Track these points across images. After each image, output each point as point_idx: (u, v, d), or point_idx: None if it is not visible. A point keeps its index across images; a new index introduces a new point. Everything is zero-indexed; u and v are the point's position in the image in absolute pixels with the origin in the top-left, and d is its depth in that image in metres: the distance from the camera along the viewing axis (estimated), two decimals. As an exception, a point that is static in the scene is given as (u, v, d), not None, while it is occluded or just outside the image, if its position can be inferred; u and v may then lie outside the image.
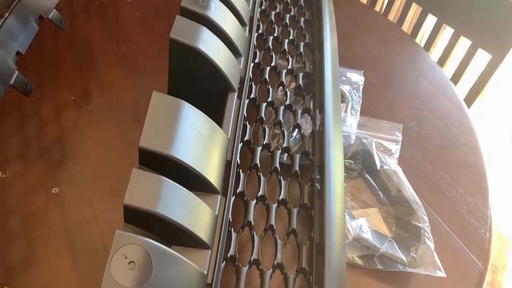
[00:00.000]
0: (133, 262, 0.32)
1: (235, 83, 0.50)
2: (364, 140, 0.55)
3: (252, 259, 0.42)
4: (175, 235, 0.37)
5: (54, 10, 0.65)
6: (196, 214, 0.38)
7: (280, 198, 0.46)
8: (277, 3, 0.70)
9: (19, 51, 0.58)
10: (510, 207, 1.31)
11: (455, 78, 0.86)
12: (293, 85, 0.59)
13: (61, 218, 0.53)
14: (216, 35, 0.49)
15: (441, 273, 0.46)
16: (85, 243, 0.51)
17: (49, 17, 0.65)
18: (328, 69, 0.58)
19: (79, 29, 0.75)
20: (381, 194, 0.55)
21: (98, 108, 0.65)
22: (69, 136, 0.61)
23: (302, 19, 0.68)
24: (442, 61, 0.88)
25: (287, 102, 0.55)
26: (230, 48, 0.51)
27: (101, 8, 0.81)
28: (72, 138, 0.61)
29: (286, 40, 0.63)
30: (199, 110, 0.42)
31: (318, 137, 0.51)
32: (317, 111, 0.54)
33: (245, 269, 0.41)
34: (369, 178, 0.56)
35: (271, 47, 0.61)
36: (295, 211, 0.46)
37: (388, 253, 0.47)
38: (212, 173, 0.41)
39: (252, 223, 0.44)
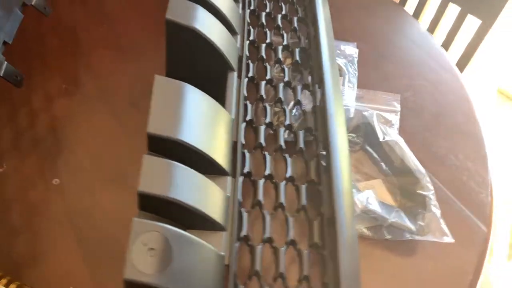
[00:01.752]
0: (153, 249, 0.32)
1: (234, 62, 0.49)
2: (365, 113, 0.55)
3: (265, 237, 0.42)
4: (190, 219, 0.37)
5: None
6: (210, 197, 0.38)
7: (287, 175, 0.46)
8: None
9: (6, 40, 0.56)
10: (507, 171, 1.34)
11: (446, 46, 0.86)
12: (289, 61, 0.58)
13: (65, 209, 0.52)
14: (212, 13, 0.48)
15: (449, 239, 0.47)
16: (92, 233, 0.50)
17: (33, 3, 0.63)
18: (324, 43, 0.57)
19: (64, 14, 0.73)
20: (384, 166, 0.55)
21: (91, 94, 0.63)
22: (64, 126, 0.60)
23: (293, -7, 0.66)
24: (431, 29, 0.88)
25: (286, 79, 0.54)
26: (226, 26, 0.50)
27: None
28: (67, 127, 0.60)
29: (279, 16, 0.62)
30: (203, 92, 0.42)
31: (320, 112, 0.51)
32: (316, 86, 0.54)
33: (259, 248, 0.42)
34: (371, 150, 0.57)
35: (264, 24, 0.60)
36: (303, 187, 0.46)
37: (396, 223, 0.48)
38: (221, 155, 0.41)
39: (262, 202, 0.44)
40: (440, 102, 0.64)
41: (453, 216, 0.52)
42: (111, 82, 0.65)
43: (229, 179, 0.41)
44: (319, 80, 0.53)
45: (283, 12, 0.63)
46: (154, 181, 0.34)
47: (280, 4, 0.64)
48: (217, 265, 0.37)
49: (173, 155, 0.38)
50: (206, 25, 0.46)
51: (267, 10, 0.63)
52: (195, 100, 0.40)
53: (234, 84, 0.48)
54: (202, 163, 0.40)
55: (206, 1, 0.49)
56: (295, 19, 0.62)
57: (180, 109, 0.39)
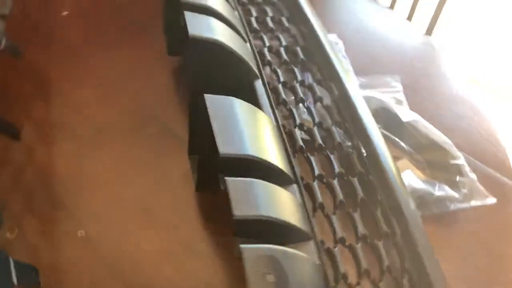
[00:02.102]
0: (269, 273, 0.30)
1: (256, 70, 0.48)
2: (380, 98, 0.56)
3: (338, 238, 0.41)
4: (279, 234, 0.35)
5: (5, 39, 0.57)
6: (293, 209, 0.36)
7: (336, 172, 0.46)
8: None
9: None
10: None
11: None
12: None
13: (102, 260, 0.48)
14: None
15: (491, 200, 0.50)
16: (140, 277, 0.47)
17: (1, 48, 0.57)
18: (323, 38, 0.58)
19: (30, 56, 0.66)
20: (405, 146, 0.56)
21: (85, 134, 0.59)
22: (68, 174, 0.55)
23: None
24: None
25: (299, 78, 0.54)
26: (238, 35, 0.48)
27: (42, 28, 0.73)
28: (72, 175, 0.55)
29: (268, 18, 0.61)
30: (249, 104, 0.40)
31: (345, 105, 0.51)
32: (330, 81, 0.54)
33: (336, 250, 0.41)
34: (388, 133, 0.57)
35: (258, 28, 0.59)
36: (356, 180, 0.45)
37: (442, 196, 0.49)
38: (283, 164, 0.40)
39: (324, 204, 0.43)
40: (434, 74, 0.67)
41: (483, 179, 0.54)
42: (99, 117, 0.60)
43: (295, 186, 0.40)
44: (331, 75, 0.54)
45: (270, 15, 0.62)
46: (244, 203, 0.32)
47: (263, 8, 0.64)
48: (318, 274, 0.35)
49: (244, 172, 0.36)
50: (227, 36, 0.44)
51: (254, 14, 0.62)
52: (247, 113, 0.39)
53: (263, 91, 0.46)
54: (268, 174, 0.38)
55: (216, 12, 0.47)
56: (284, 19, 0.62)
57: (239, 125, 0.37)
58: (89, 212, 0.51)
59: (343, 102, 0.51)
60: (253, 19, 0.60)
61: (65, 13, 0.76)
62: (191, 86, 0.46)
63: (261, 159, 0.36)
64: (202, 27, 0.43)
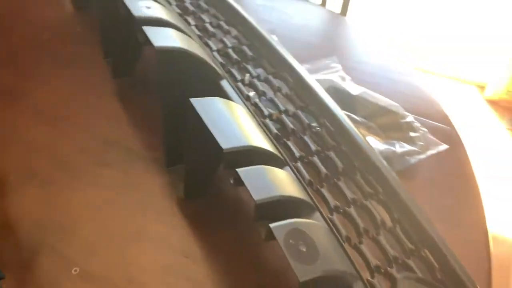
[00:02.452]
0: (301, 243, 0.33)
1: (220, 71, 0.50)
2: (328, 78, 0.60)
3: (332, 206, 0.45)
4: (291, 211, 0.38)
5: None
6: (296, 187, 0.39)
7: (313, 150, 0.50)
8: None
9: None
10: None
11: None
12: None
13: (103, 285, 0.47)
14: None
15: (444, 147, 0.56)
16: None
17: None
18: (264, 33, 0.61)
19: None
20: (357, 117, 0.62)
21: (50, 174, 0.57)
22: (46, 218, 0.52)
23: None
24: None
25: (254, 74, 0.57)
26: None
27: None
28: (50, 218, 0.53)
29: (207, 24, 0.64)
30: (227, 100, 0.42)
31: (303, 89, 0.55)
32: (283, 71, 0.57)
33: (334, 217, 0.44)
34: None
35: (201, 34, 0.61)
36: (332, 153, 0.49)
37: (403, 151, 0.55)
38: (273, 150, 0.42)
39: (312, 180, 0.46)
40: (360, 51, 0.74)
41: (431, 131, 0.61)
42: (64, 156, 0.59)
43: (288, 168, 0.43)
44: (282, 66, 0.57)
45: (208, 20, 0.64)
46: (262, 188, 0.35)
47: (198, 16, 0.66)
48: (331, 237, 0.38)
49: (243, 163, 0.38)
50: (187, 43, 0.46)
51: (193, 23, 0.63)
52: (232, 109, 0.41)
53: (232, 90, 0.48)
54: (264, 160, 0.40)
55: (169, 23, 0.48)
56: (222, 23, 0.64)
57: (229, 120, 0.39)
58: (78, 248, 0.50)
59: (300, 88, 0.55)
60: (193, 28, 0.62)
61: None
62: (165, 97, 0.47)
63: (259, 148, 0.38)
64: (163, 38, 0.44)
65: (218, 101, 0.40)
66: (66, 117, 0.63)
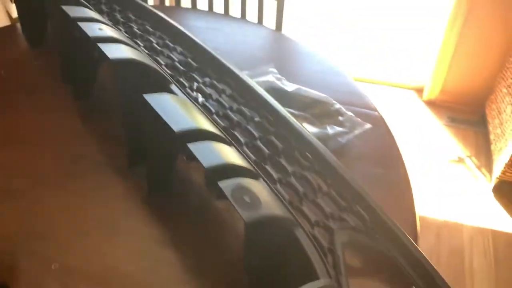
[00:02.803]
0: (245, 196, 0.40)
1: (168, 76, 0.58)
2: (266, 80, 0.70)
3: (276, 179, 0.53)
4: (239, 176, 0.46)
5: None
6: (242, 159, 0.47)
7: (257, 136, 0.58)
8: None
9: None
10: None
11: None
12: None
13: (85, 280, 0.52)
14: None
15: (368, 125, 0.66)
16: (120, 275, 0.52)
17: None
18: (208, 47, 0.70)
19: None
20: (294, 111, 0.71)
21: (23, 189, 0.62)
22: (24, 228, 0.58)
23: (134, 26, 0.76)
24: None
25: (201, 81, 0.65)
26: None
27: None
28: (28, 229, 0.58)
29: (155, 44, 0.72)
30: (177, 95, 0.50)
31: (244, 89, 0.64)
32: (226, 77, 0.66)
33: (278, 186, 0.52)
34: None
35: (149, 53, 0.69)
36: (272, 137, 0.58)
37: (334, 133, 0.64)
38: (220, 132, 0.50)
39: (256, 160, 0.54)
40: (287, 47, 0.84)
41: (356, 115, 0.71)
42: (29, 170, 0.64)
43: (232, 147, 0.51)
44: (225, 72, 0.66)
45: (155, 41, 0.73)
46: (210, 157, 0.42)
47: (146, 38, 0.74)
48: (274, 196, 0.46)
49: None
50: (137, 54, 0.54)
51: (142, 44, 0.72)
52: (179, 101, 0.49)
53: (180, 92, 0.56)
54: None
55: (122, 41, 0.56)
56: (168, 42, 0.73)
57: (179, 109, 0.47)
58: (56, 248, 0.55)
59: (241, 88, 0.64)
60: (142, 48, 0.70)
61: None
62: (123, 105, 0.55)
63: (207, 130, 0.46)
64: (116, 51, 0.52)
65: (167, 95, 0.48)
66: (34, 137, 0.69)
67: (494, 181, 1.63)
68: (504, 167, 1.55)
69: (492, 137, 1.73)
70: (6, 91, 0.77)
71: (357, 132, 0.66)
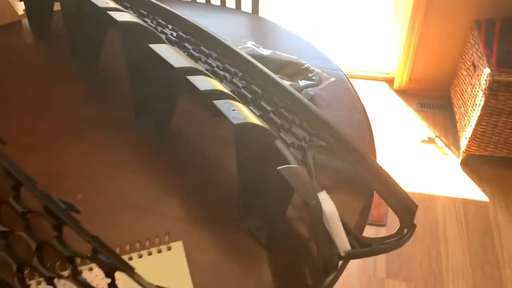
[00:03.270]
0: (233, 109, 0.53)
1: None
2: (244, 47, 0.82)
3: (257, 115, 0.65)
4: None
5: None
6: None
7: (240, 86, 0.70)
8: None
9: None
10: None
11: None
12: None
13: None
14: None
15: (332, 78, 0.79)
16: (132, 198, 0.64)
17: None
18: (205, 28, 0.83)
19: None
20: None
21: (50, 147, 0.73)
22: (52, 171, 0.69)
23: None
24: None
25: (214, 65, 0.77)
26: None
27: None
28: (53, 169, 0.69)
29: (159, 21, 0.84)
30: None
31: (229, 54, 0.76)
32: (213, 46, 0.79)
33: (265, 117, 0.64)
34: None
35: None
36: (254, 87, 0.70)
37: (304, 85, 0.77)
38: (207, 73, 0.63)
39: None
40: (269, 31, 0.97)
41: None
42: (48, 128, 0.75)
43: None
44: (215, 43, 0.79)
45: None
46: (205, 84, 0.55)
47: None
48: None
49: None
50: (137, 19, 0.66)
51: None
52: (175, 50, 0.61)
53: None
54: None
55: (124, 10, 0.69)
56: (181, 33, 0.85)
57: (177, 54, 0.59)
58: (82, 183, 0.66)
59: (227, 51, 0.76)
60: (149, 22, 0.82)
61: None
62: (131, 60, 0.67)
63: (200, 69, 0.58)
64: (123, 16, 0.64)
65: (166, 45, 0.60)
66: (47, 106, 0.81)
67: (461, 155, 1.78)
68: (469, 141, 1.70)
69: (457, 116, 1.88)
70: (18, 74, 0.89)
71: (323, 84, 0.78)
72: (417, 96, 2.18)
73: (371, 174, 0.62)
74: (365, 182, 0.62)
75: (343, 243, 0.47)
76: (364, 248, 0.53)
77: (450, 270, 1.47)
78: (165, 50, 0.59)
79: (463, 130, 1.78)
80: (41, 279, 0.53)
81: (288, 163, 0.53)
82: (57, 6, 0.95)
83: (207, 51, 0.77)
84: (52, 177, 0.68)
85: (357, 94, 0.81)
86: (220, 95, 0.56)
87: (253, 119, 0.54)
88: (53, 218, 0.52)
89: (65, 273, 0.54)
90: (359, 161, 0.62)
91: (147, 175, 0.68)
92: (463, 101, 1.82)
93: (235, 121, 0.51)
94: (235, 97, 0.58)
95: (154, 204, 0.64)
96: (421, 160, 1.84)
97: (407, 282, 1.44)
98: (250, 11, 1.16)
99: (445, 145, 1.90)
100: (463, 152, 1.75)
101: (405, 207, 0.59)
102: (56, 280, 0.50)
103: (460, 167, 1.80)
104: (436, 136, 1.95)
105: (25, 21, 1.06)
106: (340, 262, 0.49)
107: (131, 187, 0.66)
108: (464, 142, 1.74)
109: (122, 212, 0.63)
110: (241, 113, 0.53)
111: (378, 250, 0.55)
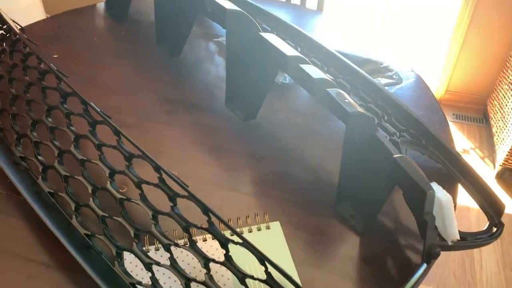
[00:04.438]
0: (344, 98, 0.55)
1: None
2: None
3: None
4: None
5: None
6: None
7: (333, 78, 0.73)
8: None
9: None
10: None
11: None
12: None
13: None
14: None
15: (412, 78, 0.81)
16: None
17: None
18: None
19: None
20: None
21: (137, 124, 0.76)
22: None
23: None
24: None
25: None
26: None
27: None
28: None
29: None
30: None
31: (336, 62, 0.79)
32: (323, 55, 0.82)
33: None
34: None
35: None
36: (343, 82, 0.73)
37: (386, 83, 0.79)
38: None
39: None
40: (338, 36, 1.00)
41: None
42: (136, 109, 0.79)
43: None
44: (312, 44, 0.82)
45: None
46: (316, 73, 0.57)
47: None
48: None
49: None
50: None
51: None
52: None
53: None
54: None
55: None
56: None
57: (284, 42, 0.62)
58: (169, 160, 0.69)
59: (334, 61, 0.79)
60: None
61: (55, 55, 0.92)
62: (234, 47, 0.69)
63: (304, 58, 0.61)
64: (229, 5, 0.67)
65: (275, 35, 0.63)
66: (137, 88, 0.84)
67: (497, 168, 1.79)
68: (507, 155, 1.71)
69: (494, 129, 1.89)
70: (103, 55, 0.92)
71: (403, 84, 0.81)
72: (453, 107, 2.19)
73: (459, 170, 0.64)
74: (452, 178, 0.64)
75: (453, 232, 0.49)
76: (461, 241, 0.55)
77: (484, 280, 1.48)
78: (275, 40, 0.62)
79: (501, 143, 1.79)
80: (159, 245, 0.56)
81: (391, 154, 0.56)
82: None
83: (293, 44, 0.80)
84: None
85: (434, 96, 0.83)
86: (330, 84, 0.58)
87: (362, 109, 0.57)
88: (169, 189, 0.56)
89: (181, 242, 0.56)
90: (448, 158, 0.65)
91: (235, 157, 0.71)
92: (502, 114, 1.83)
93: (349, 110, 0.54)
94: (341, 88, 0.61)
95: (245, 185, 0.66)
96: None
97: (440, 289, 1.45)
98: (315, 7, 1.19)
99: (480, 158, 1.91)
100: (500, 165, 1.76)
101: (493, 205, 0.62)
102: (173, 248, 0.53)
103: (495, 180, 1.81)
104: (471, 148, 1.96)
105: (100, 5, 1.09)
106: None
107: (221, 168, 0.69)
108: (501, 156, 1.75)
109: (216, 190, 0.65)
110: (352, 103, 0.56)
111: (473, 244, 0.57)
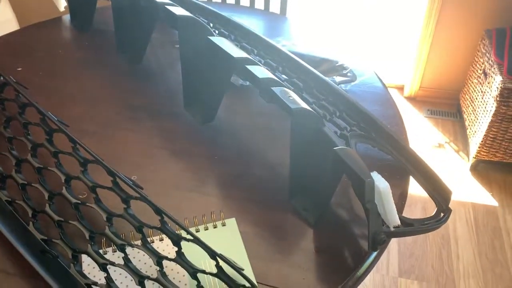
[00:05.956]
0: (289, 96, 0.58)
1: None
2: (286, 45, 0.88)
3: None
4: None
5: None
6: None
7: (283, 78, 0.75)
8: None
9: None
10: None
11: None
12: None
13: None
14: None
15: (367, 75, 0.84)
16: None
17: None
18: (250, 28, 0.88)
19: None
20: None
21: (100, 132, 0.78)
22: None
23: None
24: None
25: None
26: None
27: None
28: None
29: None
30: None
31: (294, 65, 0.81)
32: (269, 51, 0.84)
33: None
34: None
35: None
36: (296, 81, 0.75)
37: (341, 80, 0.82)
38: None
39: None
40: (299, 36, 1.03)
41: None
42: (100, 117, 0.80)
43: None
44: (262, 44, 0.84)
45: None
46: (262, 73, 0.59)
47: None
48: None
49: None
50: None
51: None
52: (230, 42, 0.66)
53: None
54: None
55: (175, 4, 0.74)
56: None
57: (233, 45, 0.64)
58: (130, 166, 0.71)
59: (288, 62, 0.81)
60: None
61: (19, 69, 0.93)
62: (187, 52, 0.72)
63: (253, 60, 0.63)
64: (180, 11, 0.69)
65: (224, 39, 0.65)
66: (98, 96, 0.85)
67: (471, 160, 1.83)
68: (479, 147, 1.75)
69: (467, 123, 1.93)
70: (67, 66, 0.94)
71: (357, 81, 0.84)
72: (427, 103, 2.24)
73: (408, 161, 0.67)
74: (402, 168, 0.67)
75: (394, 218, 0.51)
76: (406, 227, 0.58)
77: (461, 270, 1.51)
78: (224, 42, 0.64)
79: (473, 136, 1.83)
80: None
81: (333, 147, 0.58)
82: (99, 3, 1.00)
83: (249, 47, 0.82)
84: (107, 161, 0.72)
85: (388, 92, 0.86)
86: (276, 83, 0.61)
87: (306, 105, 0.59)
88: (122, 192, 0.57)
89: (138, 242, 0.58)
90: (398, 149, 0.67)
91: (195, 159, 0.73)
92: (473, 108, 1.88)
93: (292, 106, 0.56)
94: (289, 85, 0.63)
95: (204, 186, 0.68)
96: (431, 165, 1.89)
97: (419, 281, 1.48)
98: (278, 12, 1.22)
99: (455, 151, 1.95)
100: (473, 157, 1.80)
101: (441, 192, 0.64)
102: (129, 248, 0.55)
103: (469, 172, 1.84)
104: (446, 142, 2.00)
105: (65, 17, 1.11)
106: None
107: (181, 170, 0.71)
108: (474, 148, 1.79)
109: (175, 192, 0.67)
110: (296, 99, 0.58)
111: (419, 230, 0.59)
